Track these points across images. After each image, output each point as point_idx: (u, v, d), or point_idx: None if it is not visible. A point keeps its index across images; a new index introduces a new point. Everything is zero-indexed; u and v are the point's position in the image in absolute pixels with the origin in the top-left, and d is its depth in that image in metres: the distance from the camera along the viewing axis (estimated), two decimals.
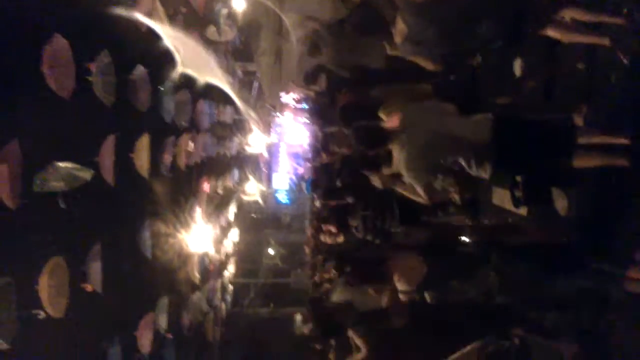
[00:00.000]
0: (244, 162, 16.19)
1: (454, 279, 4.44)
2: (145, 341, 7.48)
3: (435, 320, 4.45)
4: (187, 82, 9.18)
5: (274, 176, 21.05)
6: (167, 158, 8.35)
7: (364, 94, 5.73)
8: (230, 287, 15.08)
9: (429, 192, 4.55)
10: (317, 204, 10.01)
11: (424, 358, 4.18)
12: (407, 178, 4.31)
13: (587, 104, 4.56)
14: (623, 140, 3.96)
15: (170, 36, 8.09)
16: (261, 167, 19.04)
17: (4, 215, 4.59)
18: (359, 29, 5.98)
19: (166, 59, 8.24)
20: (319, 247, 9.18)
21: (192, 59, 8.93)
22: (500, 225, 5.99)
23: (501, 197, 5.75)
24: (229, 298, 14.77)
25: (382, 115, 4.73)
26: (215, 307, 12.68)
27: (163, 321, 8.30)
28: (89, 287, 5.84)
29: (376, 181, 5.59)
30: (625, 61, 4.04)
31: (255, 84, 14.44)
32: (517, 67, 5.59)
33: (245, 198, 16.80)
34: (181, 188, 9.50)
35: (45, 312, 5.07)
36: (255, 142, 16.07)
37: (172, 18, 8.53)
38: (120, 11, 6.49)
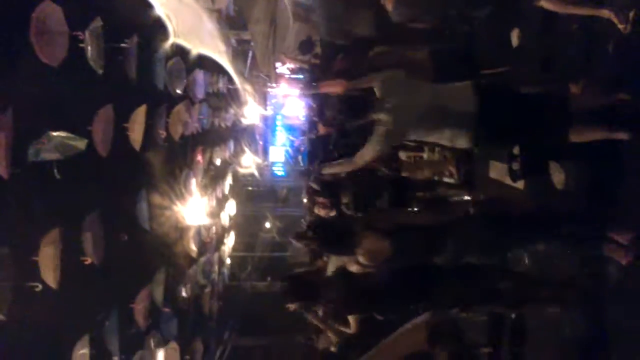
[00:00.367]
0: (240, 134, 16.08)
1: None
2: (142, 314, 7.45)
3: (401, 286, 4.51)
4: (181, 50, 9.04)
5: (270, 148, 20.96)
6: (162, 128, 8.24)
7: (359, 59, 5.65)
8: (228, 260, 15.07)
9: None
10: (312, 177, 9.96)
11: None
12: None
13: (584, 74, 4.51)
14: (623, 96, 3.91)
15: (162, 3, 7.95)
16: (257, 139, 18.93)
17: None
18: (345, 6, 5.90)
19: (159, 26, 8.10)
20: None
21: (185, 27, 8.79)
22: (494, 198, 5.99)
23: (498, 171, 5.73)
24: (226, 271, 14.77)
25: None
26: (212, 280, 12.67)
27: (160, 294, 8.26)
28: (87, 260, 5.78)
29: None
30: (624, 31, 3.95)
31: (250, 54, 14.26)
32: (515, 36, 5.53)
33: (241, 170, 16.73)
34: (176, 159, 9.42)
35: (43, 284, 5.02)
36: (250, 113, 15.94)
37: None
38: None
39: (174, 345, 8.95)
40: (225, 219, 14.38)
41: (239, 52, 13.98)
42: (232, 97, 14.01)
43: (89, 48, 5.69)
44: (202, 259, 11.64)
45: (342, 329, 5.77)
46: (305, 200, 10.46)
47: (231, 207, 15.18)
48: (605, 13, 3.93)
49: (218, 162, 13.12)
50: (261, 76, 15.70)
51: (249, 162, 16.94)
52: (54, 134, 5.23)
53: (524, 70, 5.30)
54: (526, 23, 5.24)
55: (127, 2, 7.09)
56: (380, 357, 4.40)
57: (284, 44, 10.23)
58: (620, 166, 4.19)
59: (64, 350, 5.59)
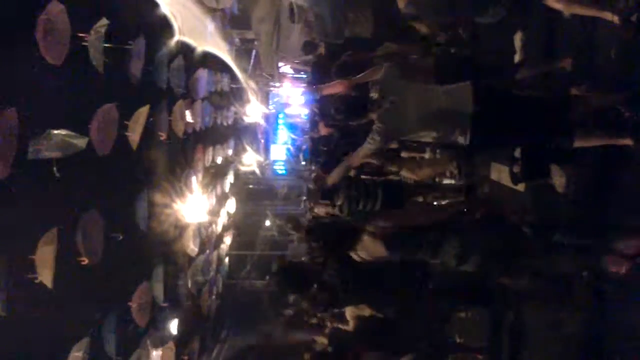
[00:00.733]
0: (242, 132, 16.06)
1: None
2: (140, 312, 7.45)
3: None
4: (185, 48, 9.03)
5: (272, 147, 20.93)
6: (163, 126, 8.23)
7: (362, 59, 5.64)
8: (227, 259, 15.06)
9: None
10: (313, 175, 9.96)
11: None
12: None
13: (587, 78, 4.49)
14: (621, 99, 3.89)
15: (167, 2, 7.94)
16: (259, 137, 18.91)
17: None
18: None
19: (164, 25, 8.09)
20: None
21: (189, 25, 8.78)
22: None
23: (500, 173, 5.71)
24: (224, 270, 14.76)
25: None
26: (211, 279, 12.66)
27: (158, 292, 8.26)
28: (84, 260, 5.78)
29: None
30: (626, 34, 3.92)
31: (253, 53, 14.25)
32: (518, 40, 5.50)
33: (242, 169, 16.72)
34: (177, 157, 9.41)
35: (40, 282, 5.02)
36: (253, 112, 15.93)
37: None
38: None
39: (171, 344, 8.95)
40: (225, 217, 14.38)
41: (242, 51, 13.97)
42: (234, 95, 14.00)
43: (93, 48, 5.69)
44: (201, 258, 11.63)
45: (340, 326, 5.77)
46: (304, 199, 10.47)
47: (231, 205, 15.16)
48: (609, 15, 3.91)
49: (219, 160, 13.12)
50: (264, 75, 15.68)
51: (250, 160, 16.92)
52: (55, 132, 5.23)
53: (526, 73, 5.29)
54: (530, 27, 5.22)
55: (133, 1, 7.09)
56: None
57: (288, 44, 10.21)
58: (621, 171, 4.18)
59: (62, 349, 5.60)
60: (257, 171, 17.96)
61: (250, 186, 20.45)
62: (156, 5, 7.78)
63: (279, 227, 19.04)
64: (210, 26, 10.32)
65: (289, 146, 20.62)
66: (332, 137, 7.29)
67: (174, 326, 9.13)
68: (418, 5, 4.18)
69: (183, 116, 9.30)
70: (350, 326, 5.55)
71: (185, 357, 10.25)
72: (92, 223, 5.93)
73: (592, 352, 4.40)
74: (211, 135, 12.09)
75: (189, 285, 10.53)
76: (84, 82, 5.71)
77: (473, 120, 3.82)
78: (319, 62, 7.94)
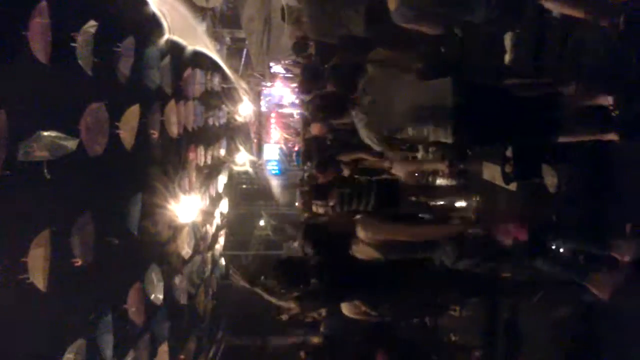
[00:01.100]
0: (234, 132, 16.03)
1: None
2: (136, 314, 7.43)
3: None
4: (175, 48, 9.00)
5: (265, 147, 20.89)
6: (155, 126, 8.20)
7: (354, 59, 5.61)
8: (222, 259, 15.03)
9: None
10: (306, 175, 9.95)
11: None
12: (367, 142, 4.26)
13: (575, 75, 4.49)
14: (609, 100, 3.89)
15: (156, 2, 7.91)
16: (251, 137, 18.88)
17: None
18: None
19: (154, 24, 8.06)
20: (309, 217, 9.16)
21: (179, 25, 8.75)
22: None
23: (492, 173, 5.70)
24: (219, 270, 14.73)
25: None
26: (205, 279, 12.63)
27: (153, 293, 8.24)
28: (78, 262, 5.76)
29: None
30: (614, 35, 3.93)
31: (244, 52, 14.22)
32: (508, 39, 5.50)
33: (236, 168, 16.69)
34: (170, 157, 9.38)
35: (33, 284, 5.00)
36: (245, 111, 15.90)
37: None
38: None
39: (165, 345, 8.93)
40: (218, 217, 14.35)
41: (233, 50, 13.95)
42: (226, 95, 13.97)
43: (81, 48, 5.66)
44: (196, 258, 11.60)
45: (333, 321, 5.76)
46: (299, 199, 10.45)
47: (225, 206, 15.13)
48: (604, 20, 3.93)
49: (212, 160, 13.08)
50: (255, 75, 15.67)
51: (243, 160, 16.89)
52: (45, 133, 5.20)
53: (515, 71, 5.28)
54: (520, 27, 5.22)
55: (122, 0, 7.05)
56: None
57: (278, 43, 10.20)
58: (613, 171, 4.19)
59: (56, 351, 5.58)
60: (250, 171, 17.94)
61: (244, 186, 20.43)
62: (145, 4, 7.75)
63: (273, 227, 19.04)
64: (201, 25, 10.30)
65: (282, 146, 20.61)
66: (325, 137, 7.28)
67: (169, 327, 9.10)
68: (411, 9, 4.14)
69: (175, 116, 9.26)
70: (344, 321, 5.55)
71: (182, 357, 10.23)
72: (85, 224, 5.90)
73: (588, 348, 4.40)
74: (204, 136, 12.06)
75: (184, 285, 10.50)
76: (73, 83, 5.67)
77: (454, 115, 3.80)
78: (309, 66, 7.92)
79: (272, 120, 20.54)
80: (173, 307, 9.62)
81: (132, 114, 7.10)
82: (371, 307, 5.10)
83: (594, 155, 4.25)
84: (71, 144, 5.48)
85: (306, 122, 8.31)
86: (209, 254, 13.20)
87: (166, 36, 8.46)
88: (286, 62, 10.13)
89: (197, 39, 10.08)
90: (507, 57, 5.51)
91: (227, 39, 13.15)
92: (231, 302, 15.53)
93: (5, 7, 4.58)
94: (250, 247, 18.97)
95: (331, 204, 5.96)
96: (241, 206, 19.36)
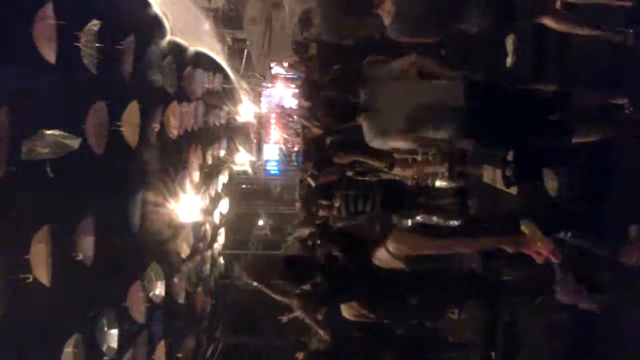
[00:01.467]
0: (234, 132, 16.07)
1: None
2: (136, 311, 7.47)
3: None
4: (177, 48, 9.04)
5: (264, 147, 20.91)
6: (156, 126, 8.24)
7: (352, 68, 5.65)
8: (221, 258, 15.07)
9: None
10: (307, 176, 9.98)
11: None
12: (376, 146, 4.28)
13: (579, 78, 4.53)
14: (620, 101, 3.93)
15: (158, 2, 7.95)
16: (251, 137, 18.91)
17: None
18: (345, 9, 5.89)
19: (156, 24, 8.10)
20: (308, 219, 9.19)
21: (181, 25, 8.79)
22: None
23: (492, 176, 5.72)
24: (218, 270, 14.77)
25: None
26: (204, 278, 12.68)
27: (152, 292, 8.28)
28: (79, 256, 5.80)
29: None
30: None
31: (245, 52, 14.26)
32: (510, 43, 5.53)
33: (235, 168, 16.72)
34: (171, 157, 9.42)
35: (35, 281, 5.04)
36: (245, 111, 15.93)
37: None
38: None
39: (163, 343, 8.97)
40: (218, 217, 14.38)
41: (234, 51, 13.98)
42: (227, 95, 14.01)
43: (85, 47, 5.71)
44: (195, 257, 11.65)
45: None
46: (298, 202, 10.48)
47: (224, 205, 15.17)
48: (609, 35, 3.96)
49: (212, 160, 13.12)
50: (256, 75, 15.70)
51: (243, 160, 16.92)
52: (48, 132, 5.25)
53: (518, 73, 5.33)
54: (521, 31, 5.25)
55: (125, 0, 7.10)
56: None
57: (280, 45, 10.24)
58: (614, 175, 4.21)
59: (54, 347, 5.62)
60: (250, 171, 17.97)
61: (244, 186, 20.46)
62: (147, 4, 7.79)
63: (272, 227, 19.07)
64: (202, 26, 10.33)
65: (282, 146, 20.63)
66: (324, 137, 7.31)
67: (167, 325, 9.14)
68: (405, 24, 4.15)
69: (176, 116, 9.31)
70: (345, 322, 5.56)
71: (180, 356, 10.26)
72: (86, 222, 5.95)
73: (587, 353, 4.43)
74: (204, 135, 12.10)
75: (183, 284, 10.54)
76: (77, 82, 5.72)
77: (466, 116, 3.83)
78: (309, 78, 7.95)
79: (272, 121, 20.57)
80: (172, 306, 9.66)
81: (132, 110, 7.13)
82: (369, 310, 5.11)
83: (595, 158, 4.28)
84: (74, 142, 5.53)
85: (307, 123, 8.33)
86: (208, 253, 13.24)
87: (168, 36, 8.50)
88: (284, 63, 10.13)
89: (199, 39, 10.12)
90: (509, 60, 5.55)
91: (229, 39, 13.18)
92: (230, 301, 15.59)
93: (12, 7, 4.64)
94: (250, 247, 18.98)
95: (336, 205, 5.98)
96: (241, 206, 19.37)
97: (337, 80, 5.55)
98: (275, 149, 20.83)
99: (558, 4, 4.17)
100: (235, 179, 18.15)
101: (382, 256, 4.17)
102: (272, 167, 21.06)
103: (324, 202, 6.46)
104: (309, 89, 7.16)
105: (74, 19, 5.50)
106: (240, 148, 16.48)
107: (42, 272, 5.10)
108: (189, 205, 10.06)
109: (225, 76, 13.30)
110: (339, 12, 5.93)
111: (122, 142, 6.92)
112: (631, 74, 4.07)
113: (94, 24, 5.90)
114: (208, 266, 13.12)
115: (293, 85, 14.48)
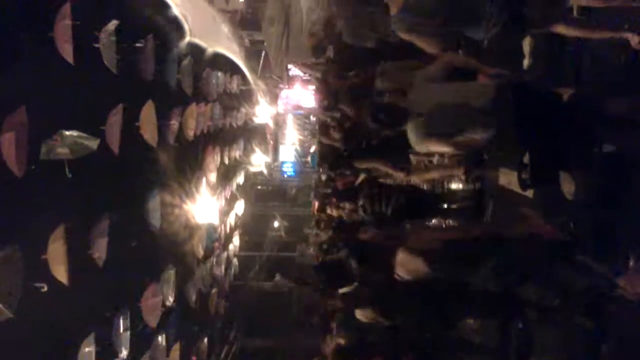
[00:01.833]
0: (251, 133, 16.09)
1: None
2: (150, 313, 7.48)
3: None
4: (196, 50, 9.06)
5: (280, 148, 20.94)
6: (174, 127, 8.26)
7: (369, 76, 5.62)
8: (235, 260, 15.08)
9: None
10: (323, 177, 9.97)
11: None
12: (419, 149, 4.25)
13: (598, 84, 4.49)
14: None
15: (177, 3, 7.98)
16: (267, 138, 18.93)
17: (10, 182, 4.53)
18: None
19: (175, 26, 8.13)
20: (324, 220, 9.18)
21: (200, 27, 8.82)
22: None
23: (508, 179, 5.69)
24: (233, 271, 14.79)
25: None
26: (219, 280, 12.69)
27: (168, 293, 8.29)
28: (95, 254, 5.82)
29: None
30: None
31: (263, 54, 14.29)
32: (527, 45, 5.48)
33: (251, 169, 16.75)
34: (188, 158, 9.44)
35: (53, 281, 5.05)
36: (262, 113, 15.96)
37: None
38: None
39: (177, 345, 8.98)
40: (233, 218, 14.40)
41: (252, 53, 14.01)
42: (244, 96, 14.04)
43: (104, 48, 5.73)
44: (210, 259, 11.66)
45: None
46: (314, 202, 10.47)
47: (240, 207, 15.20)
48: (628, 36, 3.91)
49: (229, 161, 13.15)
50: (273, 77, 15.73)
51: (259, 162, 16.95)
52: (67, 133, 5.26)
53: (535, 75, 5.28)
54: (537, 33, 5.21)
55: (144, 2, 7.13)
56: None
57: (298, 46, 10.24)
58: (632, 179, 4.16)
59: (71, 347, 5.63)
60: (266, 172, 18.00)
61: (259, 187, 20.50)
62: (167, 6, 7.82)
63: (286, 229, 19.09)
64: (220, 27, 10.35)
65: (298, 147, 20.65)
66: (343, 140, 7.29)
67: (181, 327, 9.15)
68: (412, 14, 4.10)
69: (194, 117, 9.33)
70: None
71: (194, 358, 10.28)
72: (104, 222, 5.97)
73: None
74: (221, 137, 12.13)
75: (198, 286, 10.56)
76: (98, 82, 5.74)
77: (491, 116, 3.80)
78: (326, 83, 7.93)
79: (289, 122, 20.59)
80: (186, 307, 9.67)
81: (150, 111, 7.15)
82: (384, 316, 5.07)
83: (614, 164, 4.23)
84: (93, 143, 5.54)
85: (325, 126, 8.30)
86: (224, 255, 13.25)
87: (187, 38, 8.53)
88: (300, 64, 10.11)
89: (217, 40, 10.15)
90: (526, 62, 5.50)
91: (246, 41, 13.21)
92: (245, 304, 15.60)
93: (32, 9, 4.66)
94: (264, 249, 19.02)
95: (360, 203, 5.99)
96: (256, 207, 19.41)
97: (356, 85, 5.53)
98: (291, 150, 20.85)
99: (574, 9, 4.13)
100: (251, 180, 18.17)
101: (402, 259, 4.15)
102: (288, 169, 21.07)
103: (347, 205, 6.45)
104: (327, 92, 7.16)
105: (93, 20, 5.50)
106: (257, 149, 16.51)
107: (60, 271, 5.11)
108: (205, 207, 10.08)
109: (243, 77, 13.33)
110: (357, 9, 5.93)
111: (140, 142, 6.93)
112: None
113: (113, 24, 5.92)
114: (223, 268, 13.13)
115: (310, 87, 14.44)
